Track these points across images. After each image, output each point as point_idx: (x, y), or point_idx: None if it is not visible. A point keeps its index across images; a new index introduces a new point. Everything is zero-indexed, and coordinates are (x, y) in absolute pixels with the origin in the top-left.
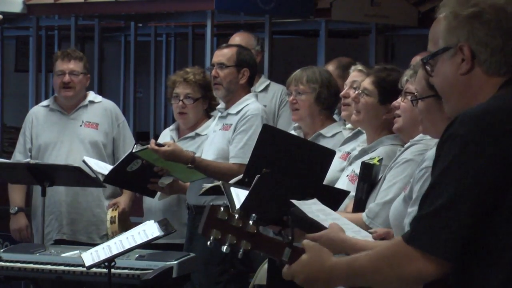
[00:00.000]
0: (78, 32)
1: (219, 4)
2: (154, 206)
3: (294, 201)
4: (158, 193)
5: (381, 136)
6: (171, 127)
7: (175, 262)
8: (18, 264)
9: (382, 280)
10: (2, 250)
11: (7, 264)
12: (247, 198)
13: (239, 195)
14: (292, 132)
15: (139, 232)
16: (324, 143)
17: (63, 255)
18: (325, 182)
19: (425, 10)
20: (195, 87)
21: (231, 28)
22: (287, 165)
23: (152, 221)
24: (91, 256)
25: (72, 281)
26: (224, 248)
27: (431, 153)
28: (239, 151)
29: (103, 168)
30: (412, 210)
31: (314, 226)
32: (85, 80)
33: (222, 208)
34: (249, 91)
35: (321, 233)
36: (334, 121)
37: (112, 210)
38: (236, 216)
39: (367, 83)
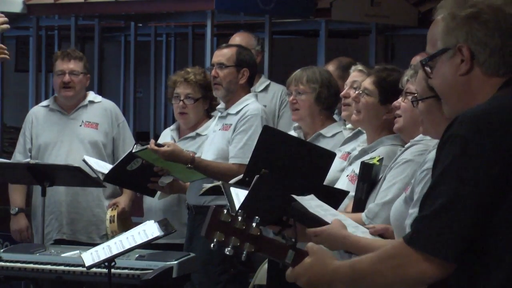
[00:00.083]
0: (78, 32)
1: (219, 4)
2: (154, 206)
3: (294, 196)
4: (158, 193)
5: (381, 136)
6: (172, 127)
7: (175, 262)
8: (18, 264)
9: (384, 283)
10: (2, 250)
11: (7, 264)
12: (246, 198)
13: (239, 195)
14: (292, 132)
15: (139, 232)
16: (324, 143)
17: (63, 255)
18: (325, 182)
19: (425, 10)
20: (196, 87)
21: (231, 28)
22: (287, 167)
23: (152, 221)
24: (91, 256)
25: (72, 281)
26: (227, 251)
27: (432, 154)
28: (239, 151)
29: (103, 167)
30: (414, 211)
31: (315, 220)
32: (85, 80)
33: (225, 211)
34: (249, 91)
35: (323, 228)
36: (334, 121)
37: (112, 209)
38: (240, 218)
39: (367, 83)
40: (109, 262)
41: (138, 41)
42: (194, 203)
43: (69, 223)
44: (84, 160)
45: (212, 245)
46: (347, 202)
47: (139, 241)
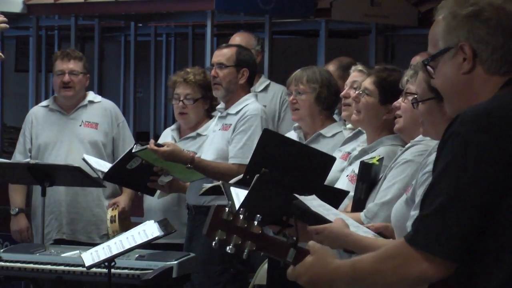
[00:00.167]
0: (78, 32)
1: (219, 4)
2: (154, 206)
3: (296, 195)
4: (158, 192)
5: (381, 136)
6: (173, 126)
7: (175, 262)
8: (18, 264)
9: (385, 282)
10: (2, 250)
11: (7, 264)
12: (246, 198)
13: (239, 195)
14: (292, 132)
15: (139, 232)
16: (324, 143)
17: (63, 255)
18: (325, 182)
19: (425, 10)
20: (195, 88)
21: (231, 28)
22: (286, 170)
23: (152, 221)
24: (91, 256)
25: (72, 281)
26: (228, 249)
27: (434, 157)
28: (239, 151)
29: (103, 166)
30: (415, 213)
31: (317, 218)
32: (84, 80)
33: (227, 209)
34: (248, 91)
35: (325, 226)
36: (334, 121)
37: (112, 209)
38: (241, 217)
39: (368, 83)
40: (109, 262)
41: (138, 41)
42: (194, 203)
43: (69, 223)
44: (84, 159)
45: (213, 243)
46: (347, 202)
47: (139, 241)
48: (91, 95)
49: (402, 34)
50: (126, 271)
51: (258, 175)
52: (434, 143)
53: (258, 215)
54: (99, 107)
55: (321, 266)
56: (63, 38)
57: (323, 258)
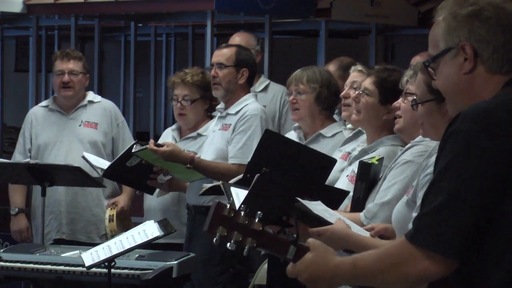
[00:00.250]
0: (78, 32)
1: (219, 4)
2: (154, 206)
3: (299, 199)
4: (157, 190)
5: (381, 137)
6: (173, 126)
7: (175, 262)
8: (18, 264)
9: (386, 280)
10: (2, 250)
11: (7, 264)
12: (247, 197)
13: (239, 195)
14: (292, 132)
15: (139, 232)
16: (324, 143)
17: (63, 255)
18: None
19: (425, 10)
20: (193, 88)
21: (231, 28)
22: (286, 171)
23: (152, 221)
24: (91, 256)
25: (72, 281)
26: (229, 245)
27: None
28: (238, 151)
29: (103, 164)
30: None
31: (318, 220)
32: (84, 80)
33: (228, 205)
34: (248, 91)
35: (326, 227)
36: (334, 121)
37: (111, 209)
38: (242, 213)
39: (368, 83)
40: (109, 262)
41: (138, 41)
42: (194, 203)
43: (68, 223)
44: (83, 157)
45: (214, 239)
46: (347, 203)
47: (139, 241)
48: (91, 95)
49: (402, 34)
50: (126, 271)
51: (258, 174)
52: (434, 144)
53: (259, 212)
54: (99, 107)
55: (321, 263)
56: (63, 38)
57: (323, 255)
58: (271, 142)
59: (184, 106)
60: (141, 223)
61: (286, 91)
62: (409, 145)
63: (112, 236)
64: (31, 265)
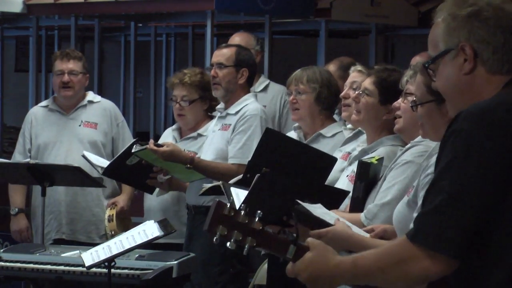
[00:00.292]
0: (78, 32)
1: (219, 4)
2: (154, 206)
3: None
4: (157, 189)
5: (381, 137)
6: (174, 127)
7: (175, 262)
8: (18, 264)
9: (387, 279)
10: (2, 250)
11: (7, 264)
12: (247, 198)
13: (239, 195)
14: (292, 132)
15: (139, 232)
16: (324, 143)
17: (63, 255)
18: (325, 183)
19: (425, 10)
20: (191, 89)
21: (231, 28)
22: (287, 170)
23: (152, 221)
24: (91, 256)
25: (72, 281)
26: (229, 244)
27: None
28: (238, 151)
29: (103, 163)
30: None
31: (318, 222)
32: (84, 79)
33: (228, 204)
34: (248, 91)
35: (328, 229)
36: (334, 121)
37: (111, 208)
38: (242, 212)
39: (368, 83)
40: (109, 262)
41: (138, 41)
42: (194, 203)
43: (68, 223)
44: (83, 156)
45: (214, 239)
46: (348, 203)
47: (139, 241)
48: (91, 95)
49: (402, 34)
50: (126, 271)
51: (258, 174)
52: (434, 144)
53: (259, 211)
54: (99, 107)
55: (321, 262)
56: (63, 38)
57: (323, 254)
58: (272, 141)
59: (183, 107)
60: (141, 223)
61: (286, 91)
62: (409, 145)
63: (112, 236)
64: (31, 265)
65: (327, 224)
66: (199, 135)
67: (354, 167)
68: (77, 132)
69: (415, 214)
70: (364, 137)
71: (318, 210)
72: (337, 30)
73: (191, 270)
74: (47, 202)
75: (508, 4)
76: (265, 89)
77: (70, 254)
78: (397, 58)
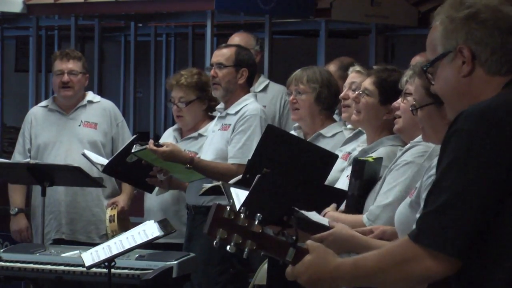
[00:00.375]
0: (78, 32)
1: (219, 4)
2: (154, 206)
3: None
4: (156, 188)
5: (381, 137)
6: (174, 127)
7: (175, 262)
8: (18, 264)
9: (388, 280)
10: (2, 250)
11: (7, 264)
12: (248, 198)
13: (239, 195)
14: (292, 132)
15: (139, 232)
16: (324, 143)
17: (63, 255)
18: (325, 182)
19: (425, 10)
20: (188, 90)
21: (231, 28)
22: (288, 167)
23: (152, 221)
24: (91, 256)
25: (72, 281)
26: (229, 248)
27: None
28: (238, 151)
29: (103, 161)
30: None
31: (319, 227)
32: (84, 79)
33: (228, 207)
34: (248, 91)
35: (329, 232)
36: (334, 121)
37: (111, 209)
38: (242, 215)
39: (367, 83)
40: (109, 262)
41: (138, 41)
42: (194, 203)
43: (68, 223)
44: (83, 154)
45: (214, 242)
46: None
47: (139, 241)
48: (90, 95)
49: (402, 34)
50: (126, 271)
51: (259, 175)
52: (434, 144)
53: (259, 214)
54: (98, 107)
55: (321, 265)
56: (63, 38)
57: (323, 257)
58: (273, 137)
59: (180, 108)
60: (141, 223)
61: (286, 91)
62: (408, 145)
63: (113, 236)
64: (31, 265)
65: (327, 229)
66: (200, 135)
67: None
68: (77, 132)
69: (417, 215)
70: (364, 137)
71: (315, 216)
72: (337, 30)
73: (191, 270)
74: (47, 202)
75: (505, 6)
76: (265, 89)
77: (70, 254)
78: (397, 58)
